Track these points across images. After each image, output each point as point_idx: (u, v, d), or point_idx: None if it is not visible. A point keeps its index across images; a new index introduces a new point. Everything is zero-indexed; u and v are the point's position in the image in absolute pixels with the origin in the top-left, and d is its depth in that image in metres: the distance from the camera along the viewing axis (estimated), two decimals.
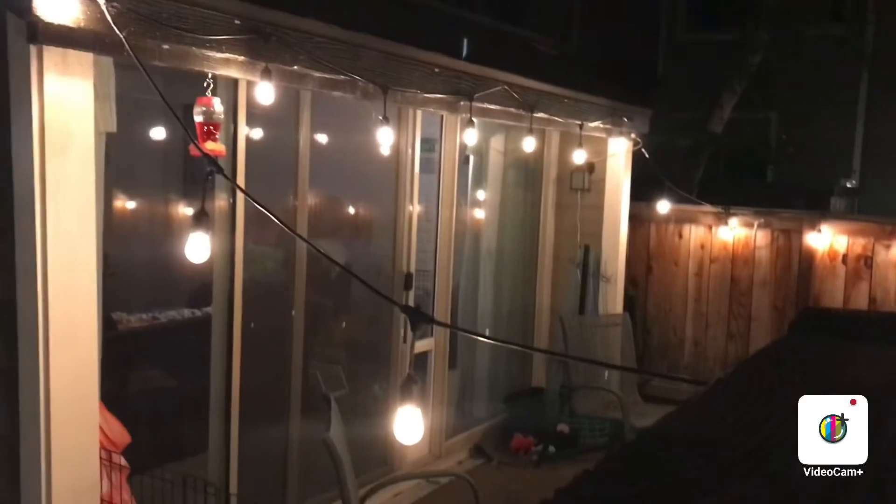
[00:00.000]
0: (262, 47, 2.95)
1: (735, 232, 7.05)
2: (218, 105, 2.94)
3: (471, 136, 4.47)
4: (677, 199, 7.19)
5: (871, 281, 6.56)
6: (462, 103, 4.28)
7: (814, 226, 6.70)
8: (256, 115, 3.79)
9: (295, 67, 3.15)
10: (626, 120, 6.10)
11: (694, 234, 7.25)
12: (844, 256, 6.66)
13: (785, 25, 9.43)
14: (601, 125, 5.88)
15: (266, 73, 2.98)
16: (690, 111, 10.62)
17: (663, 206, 6.98)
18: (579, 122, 5.58)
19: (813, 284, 6.75)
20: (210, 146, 2.88)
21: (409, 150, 5.03)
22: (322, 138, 4.56)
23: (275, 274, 4.60)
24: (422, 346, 5.31)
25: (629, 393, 6.15)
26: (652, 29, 12.38)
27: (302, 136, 4.20)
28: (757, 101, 10.44)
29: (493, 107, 4.60)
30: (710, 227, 7.17)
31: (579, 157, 5.76)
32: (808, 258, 6.75)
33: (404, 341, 5.10)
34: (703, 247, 7.21)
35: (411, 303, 5.05)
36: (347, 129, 4.71)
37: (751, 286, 7.02)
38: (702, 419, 1.24)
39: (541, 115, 5.08)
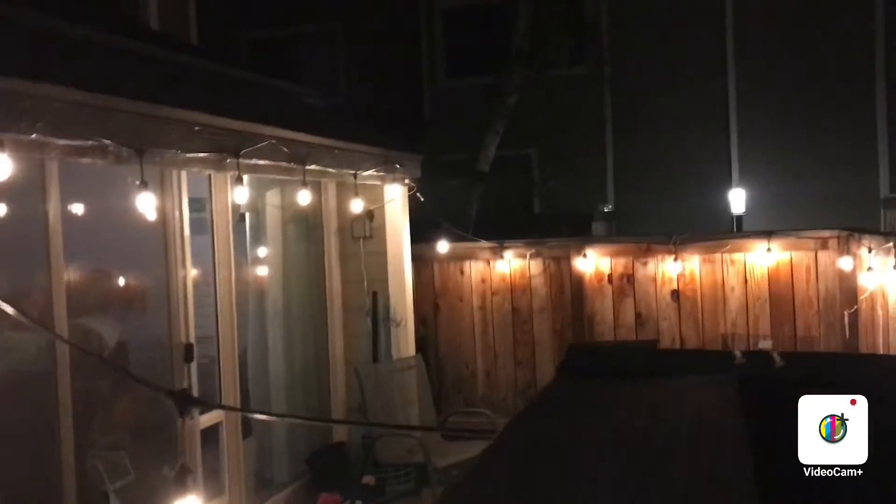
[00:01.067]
0: None
1: (511, 264, 7.39)
2: None
3: (241, 194, 4.34)
4: (456, 237, 7.44)
5: (635, 296, 7.12)
6: (228, 161, 4.14)
7: (579, 251, 7.18)
8: None
9: (33, 136, 2.88)
10: (398, 166, 6.22)
11: (474, 269, 7.51)
12: (609, 276, 7.18)
13: (534, 68, 10.13)
14: (375, 173, 5.95)
15: None
16: (460, 153, 11.05)
17: (443, 246, 7.18)
18: (353, 172, 5.60)
19: (585, 305, 7.20)
20: None
21: (177, 213, 4.78)
22: (77, 209, 4.21)
23: (35, 362, 4.15)
24: (210, 418, 5.01)
25: (430, 434, 6.18)
26: (415, 77, 12.83)
27: (51, 208, 3.85)
28: (518, 139, 11.07)
29: (262, 162, 4.49)
30: (489, 262, 7.46)
31: (357, 206, 5.78)
32: (578, 281, 7.20)
33: (190, 418, 4.79)
34: (483, 281, 7.48)
35: (194, 376, 4.77)
36: (106, 195, 4.39)
37: (531, 313, 7.37)
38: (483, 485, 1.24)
39: (313, 167, 5.04)
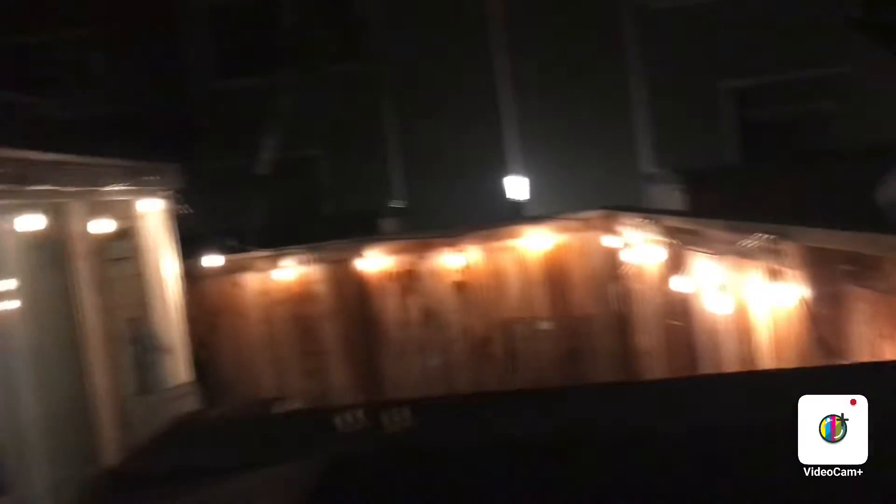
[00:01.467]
0: None
1: (293, 271, 7.08)
2: None
3: None
4: (231, 249, 7.03)
5: (420, 292, 7.05)
6: None
7: (360, 252, 7.00)
8: None
9: None
10: (153, 178, 5.73)
11: (253, 281, 7.12)
12: (393, 275, 7.06)
13: (306, 66, 9.84)
14: (124, 188, 5.42)
15: None
16: (238, 158, 10.54)
17: (215, 260, 6.74)
18: (94, 189, 5.07)
19: (372, 306, 7.04)
20: None
21: None
22: None
23: None
24: None
25: None
26: (182, 82, 12.09)
27: None
28: (299, 139, 10.73)
29: None
30: (268, 272, 7.11)
31: (102, 225, 5.24)
32: (362, 283, 7.03)
33: None
34: (264, 293, 7.12)
35: None
36: None
37: (317, 321, 7.11)
38: None
39: (40, 187, 4.48)
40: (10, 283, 5.52)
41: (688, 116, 10.82)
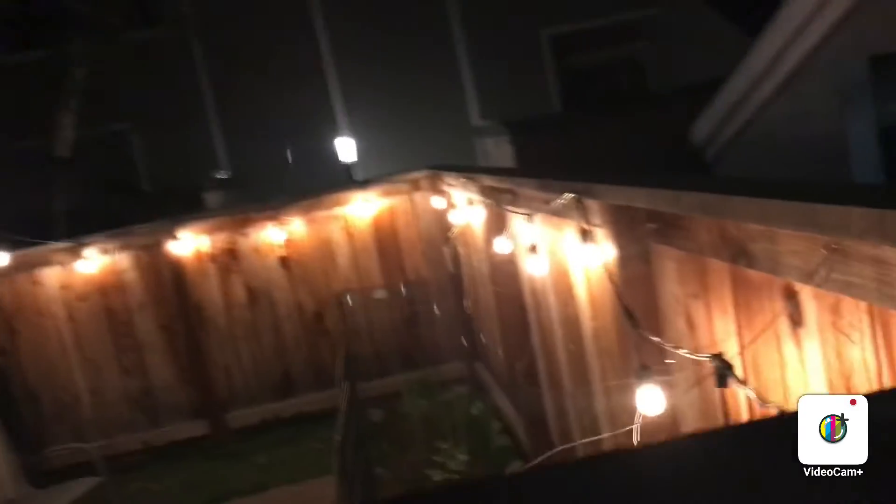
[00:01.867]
0: None
1: (97, 262, 6.41)
2: None
3: None
4: (23, 243, 6.27)
5: (243, 271, 6.59)
6: None
7: (171, 234, 6.43)
8: None
9: None
10: None
11: (51, 276, 6.40)
12: (212, 255, 6.55)
13: (98, 34, 8.97)
14: None
15: None
16: (33, 140, 9.55)
17: (1, 258, 5.98)
18: None
19: (191, 291, 6.51)
20: None
21: None
22: None
23: None
24: None
25: (18, 485, 5.15)
26: None
27: None
28: (106, 114, 9.86)
29: None
30: (70, 265, 6.40)
31: None
32: (176, 267, 6.47)
33: None
34: (65, 287, 6.41)
35: None
36: None
37: (130, 313, 6.50)
38: None
39: None
40: None
41: (511, 67, 10.77)
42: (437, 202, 6.19)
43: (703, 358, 1.76)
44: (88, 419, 6.48)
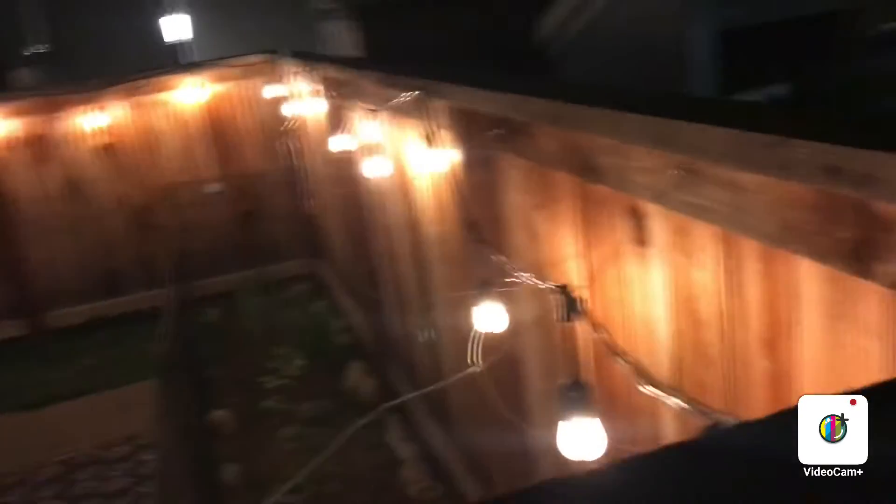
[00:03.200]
0: None
1: None
2: None
3: None
4: None
5: (59, 160, 5.98)
6: None
7: None
8: None
9: None
10: None
11: None
12: (21, 141, 5.89)
13: None
14: None
15: None
16: None
17: None
18: None
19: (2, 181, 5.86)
20: None
21: None
22: None
23: None
24: None
25: None
26: None
27: None
28: None
29: None
30: None
31: None
32: None
33: None
34: None
35: None
36: None
37: None
38: None
39: None
40: None
41: None
42: (275, 90, 5.82)
43: (548, 287, 1.68)
44: None
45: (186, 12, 9.41)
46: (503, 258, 2.00)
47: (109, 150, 6.02)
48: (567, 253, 1.83)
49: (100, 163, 6.03)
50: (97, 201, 6.09)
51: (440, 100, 2.26)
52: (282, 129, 5.88)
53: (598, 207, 1.68)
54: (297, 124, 5.43)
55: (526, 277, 1.84)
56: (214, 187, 6.21)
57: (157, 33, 9.15)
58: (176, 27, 8.43)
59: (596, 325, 1.67)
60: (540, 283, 1.76)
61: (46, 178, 5.97)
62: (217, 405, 4.66)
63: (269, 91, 5.91)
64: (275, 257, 6.32)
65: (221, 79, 6.08)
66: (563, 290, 1.60)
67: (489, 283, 1.91)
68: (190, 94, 6.02)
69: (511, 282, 1.89)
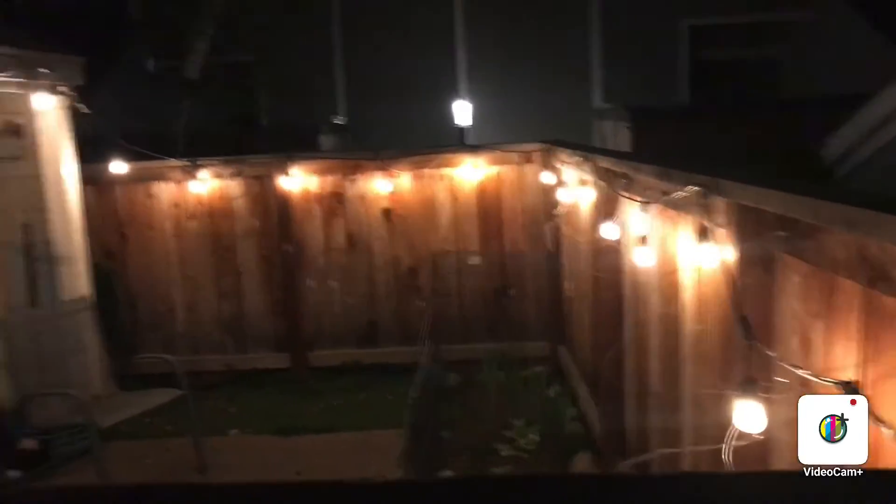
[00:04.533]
0: None
1: (209, 184, 6.60)
2: None
3: None
4: (142, 156, 6.50)
5: (346, 217, 6.66)
6: None
7: (283, 169, 6.55)
8: None
9: None
10: (43, 70, 5.15)
11: (165, 192, 6.63)
12: (318, 196, 6.65)
13: None
14: (9, 79, 4.86)
15: None
16: (166, 59, 9.86)
17: (119, 167, 6.23)
18: None
19: (294, 228, 6.64)
20: None
21: None
22: None
23: None
24: None
25: (106, 384, 5.41)
26: None
27: None
28: (235, 44, 10.07)
29: None
30: (182, 183, 6.62)
31: None
32: (284, 202, 6.60)
33: None
34: (177, 205, 6.64)
35: None
36: None
37: (234, 239, 6.68)
38: None
39: None
40: None
41: (643, 52, 10.43)
42: (547, 177, 6.08)
43: (830, 382, 1.63)
44: (180, 333, 6.74)
45: (471, 101, 10.13)
46: (775, 356, 1.96)
47: (389, 214, 6.60)
48: (842, 365, 1.76)
49: (379, 224, 6.62)
50: (371, 257, 6.67)
51: (721, 197, 2.29)
52: (548, 214, 6.11)
53: (885, 320, 1.62)
54: (563, 211, 5.63)
55: (804, 373, 1.79)
56: (475, 260, 6.56)
57: (447, 115, 9.93)
58: (462, 112, 9.13)
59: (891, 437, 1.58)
60: (822, 379, 1.71)
61: (333, 232, 6.66)
62: (448, 465, 4.83)
63: (541, 177, 6.19)
64: (520, 335, 6.50)
65: (498, 161, 6.48)
66: (849, 385, 1.54)
67: (754, 382, 1.88)
68: (468, 173, 6.47)
69: (779, 381, 1.84)
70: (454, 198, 6.56)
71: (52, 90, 5.34)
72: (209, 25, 8.89)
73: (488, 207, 6.54)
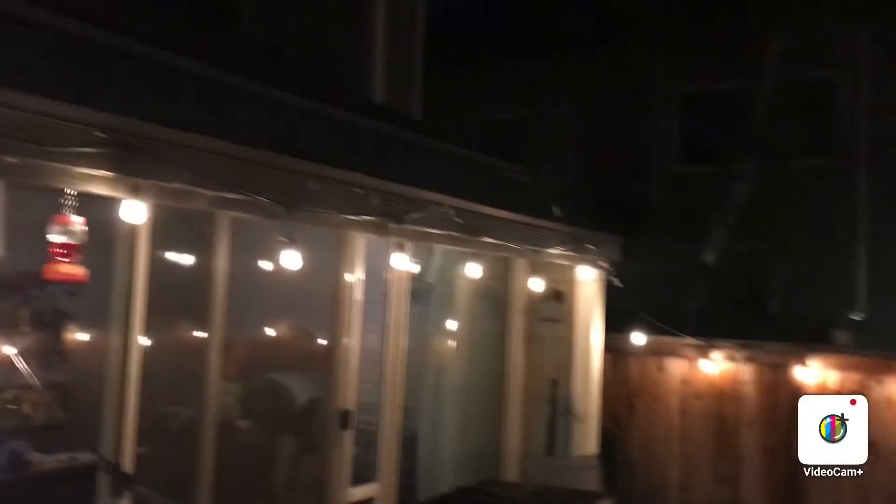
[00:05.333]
0: (133, 162, 2.74)
1: (720, 366, 6.61)
2: (78, 224, 2.70)
3: (401, 261, 4.21)
4: (658, 330, 6.82)
5: (868, 421, 6.02)
6: (392, 226, 4.04)
7: (801, 359, 6.26)
8: (161, 239, 3.53)
9: (176, 185, 2.93)
10: (591, 247, 5.84)
11: (676, 368, 6.81)
12: (836, 394, 6.17)
13: (772, 156, 9.37)
14: (563, 252, 5.61)
15: (135, 190, 2.76)
16: (685, 242, 10.40)
17: (638, 338, 6.60)
18: (535, 249, 5.32)
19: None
20: (65, 269, 2.63)
21: (349, 276, 4.73)
22: (245, 265, 4.29)
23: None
24: (363, 492, 4.82)
25: None
26: (645, 161, 12.31)
27: (218, 262, 3.93)
28: (749, 231, 10.23)
29: (431, 230, 4.36)
30: (693, 361, 6.74)
31: (536, 284, 5.48)
32: (797, 394, 6.24)
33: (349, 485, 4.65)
34: (685, 382, 6.75)
35: (348, 443, 4.62)
36: (275, 253, 4.47)
37: (738, 425, 6.51)
38: None
39: (488, 239, 4.84)
40: (458, 325, 6.07)
41: None
42: None
43: None
44: None
45: None
46: None
47: None
48: None
49: None
50: (893, 473, 5.87)
51: None
52: None
53: None
54: None
55: None
56: None
57: None
58: None
59: None
60: None
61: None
62: None
63: None
64: None
65: None
66: None
67: None
68: None
69: None
70: None
71: (594, 264, 6.02)
72: (732, 215, 9.19)
73: None
